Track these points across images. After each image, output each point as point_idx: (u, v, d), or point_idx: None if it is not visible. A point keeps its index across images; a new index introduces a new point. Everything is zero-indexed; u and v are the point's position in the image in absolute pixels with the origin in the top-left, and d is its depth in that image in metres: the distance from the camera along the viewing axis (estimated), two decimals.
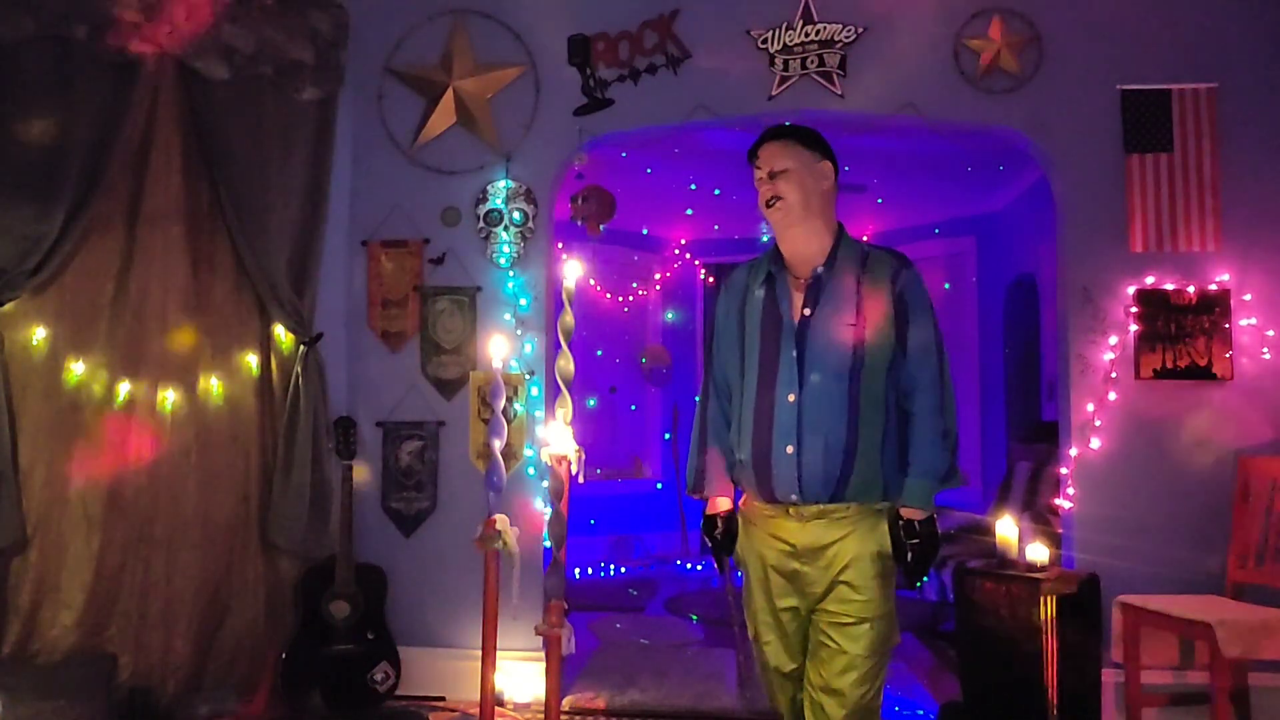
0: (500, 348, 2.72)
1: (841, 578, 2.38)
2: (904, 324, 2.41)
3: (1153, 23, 4.01)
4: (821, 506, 2.38)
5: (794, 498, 2.39)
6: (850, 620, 2.36)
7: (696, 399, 2.65)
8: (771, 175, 2.47)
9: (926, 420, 2.39)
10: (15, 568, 3.56)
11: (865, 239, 2.62)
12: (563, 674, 2.66)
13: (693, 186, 6.89)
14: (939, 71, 4.08)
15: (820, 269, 2.45)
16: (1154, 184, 3.95)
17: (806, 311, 2.42)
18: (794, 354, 2.40)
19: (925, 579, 2.44)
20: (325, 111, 4.14)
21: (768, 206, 2.48)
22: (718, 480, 2.56)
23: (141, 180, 3.78)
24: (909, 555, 2.36)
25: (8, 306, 3.54)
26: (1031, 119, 4.05)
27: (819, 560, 2.40)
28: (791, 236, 2.49)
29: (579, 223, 5.57)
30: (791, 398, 2.37)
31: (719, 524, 2.57)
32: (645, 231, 8.04)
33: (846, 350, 2.37)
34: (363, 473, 4.17)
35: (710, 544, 2.59)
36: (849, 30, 4.08)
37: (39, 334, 3.64)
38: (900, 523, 2.38)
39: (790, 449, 2.36)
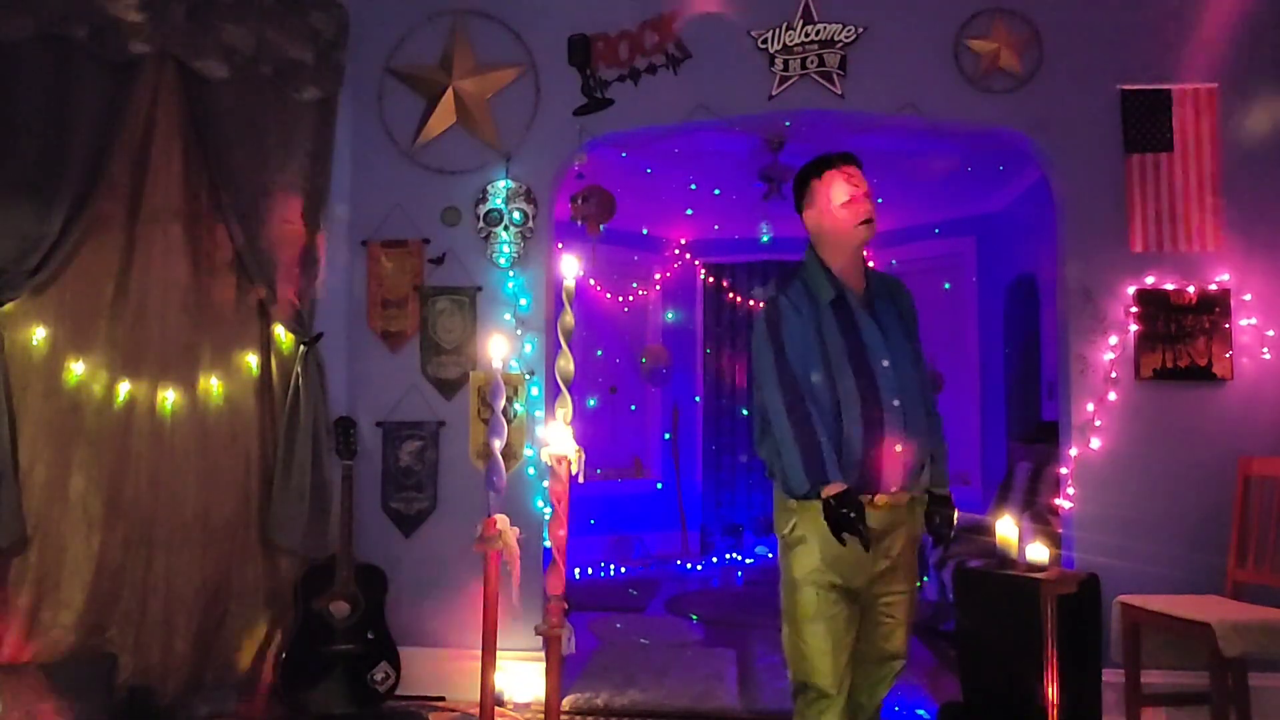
0: (500, 348, 2.73)
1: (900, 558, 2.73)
2: (912, 339, 2.81)
3: (1153, 23, 4.01)
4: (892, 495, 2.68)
5: (894, 489, 2.65)
6: (903, 592, 2.73)
7: (780, 405, 2.68)
8: (867, 194, 2.75)
9: (936, 416, 2.79)
10: (15, 568, 3.56)
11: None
12: (563, 674, 2.66)
13: (693, 186, 6.89)
14: (939, 71, 4.08)
15: (866, 288, 2.78)
16: (1154, 184, 3.95)
17: (877, 333, 2.72)
18: (885, 364, 2.67)
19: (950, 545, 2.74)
20: (325, 111, 4.14)
21: (862, 223, 2.72)
22: (835, 468, 2.64)
23: (141, 180, 3.78)
24: (941, 524, 2.72)
25: (8, 306, 3.54)
26: (1031, 119, 4.05)
27: (882, 542, 2.66)
28: (855, 256, 2.77)
29: (579, 223, 5.58)
30: (897, 403, 2.65)
31: (852, 499, 2.63)
32: (645, 231, 8.04)
33: (916, 359, 2.76)
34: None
35: (848, 522, 2.59)
36: (849, 30, 4.08)
37: (39, 334, 3.64)
38: (937, 500, 2.75)
39: (899, 448, 2.64)
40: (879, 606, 2.70)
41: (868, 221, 2.71)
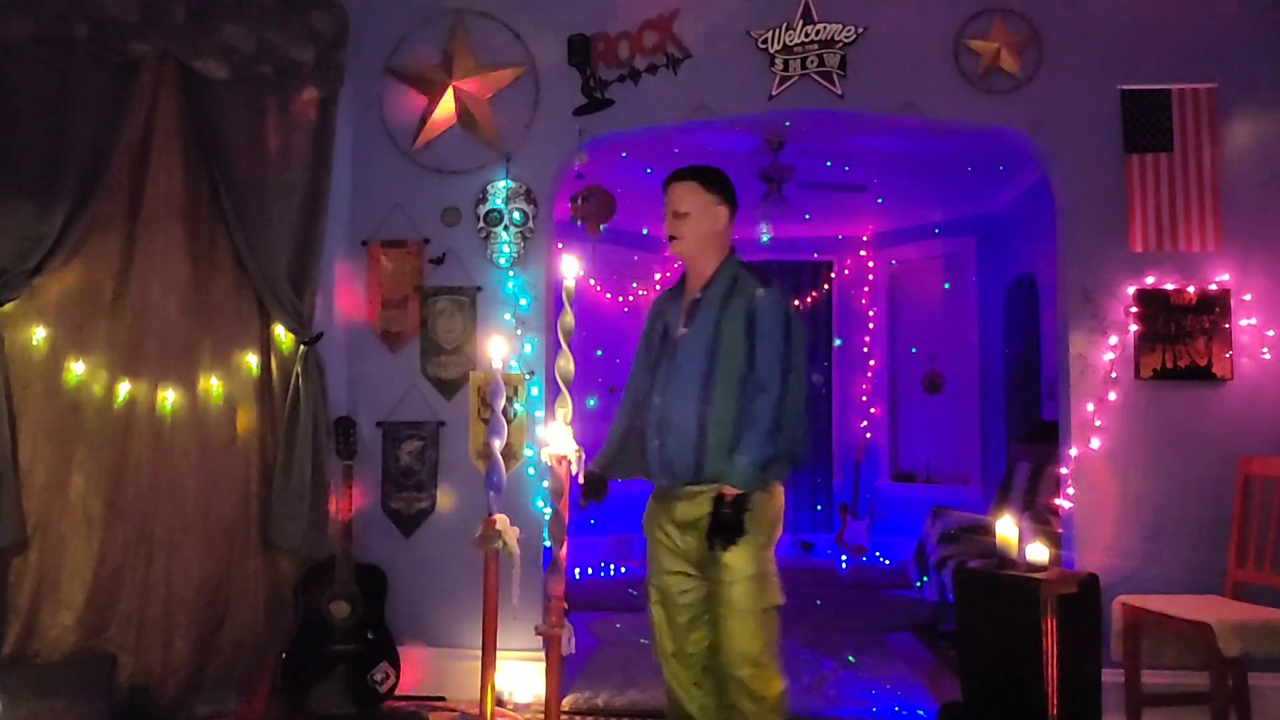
0: (500, 348, 2.73)
1: None
2: (753, 340, 2.77)
3: (1153, 23, 4.01)
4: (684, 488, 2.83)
5: (663, 482, 2.87)
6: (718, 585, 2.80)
7: None
8: (676, 215, 2.91)
9: (758, 416, 2.72)
10: (15, 568, 3.56)
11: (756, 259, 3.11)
12: (563, 674, 2.66)
13: None
14: (939, 71, 4.08)
15: (706, 287, 2.89)
16: (1154, 184, 3.95)
17: (682, 331, 2.88)
18: (672, 361, 2.86)
19: (729, 547, 2.70)
20: (325, 111, 4.14)
21: (670, 240, 2.95)
22: (602, 455, 3.07)
23: (142, 180, 3.78)
24: (713, 525, 2.69)
25: (8, 306, 3.54)
26: (1031, 119, 4.05)
27: (685, 534, 2.86)
28: (689, 266, 2.99)
29: (579, 223, 5.57)
30: (658, 400, 2.87)
31: (593, 480, 3.01)
32: (645, 231, 8.04)
33: (702, 359, 2.80)
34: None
35: (588, 495, 3.01)
36: (849, 30, 4.08)
37: (39, 334, 3.64)
38: (718, 499, 2.71)
39: (656, 442, 2.85)
40: (675, 596, 2.87)
41: (670, 239, 2.94)
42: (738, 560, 2.72)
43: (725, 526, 2.67)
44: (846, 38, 4.08)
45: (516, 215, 4.25)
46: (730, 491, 2.69)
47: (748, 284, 2.84)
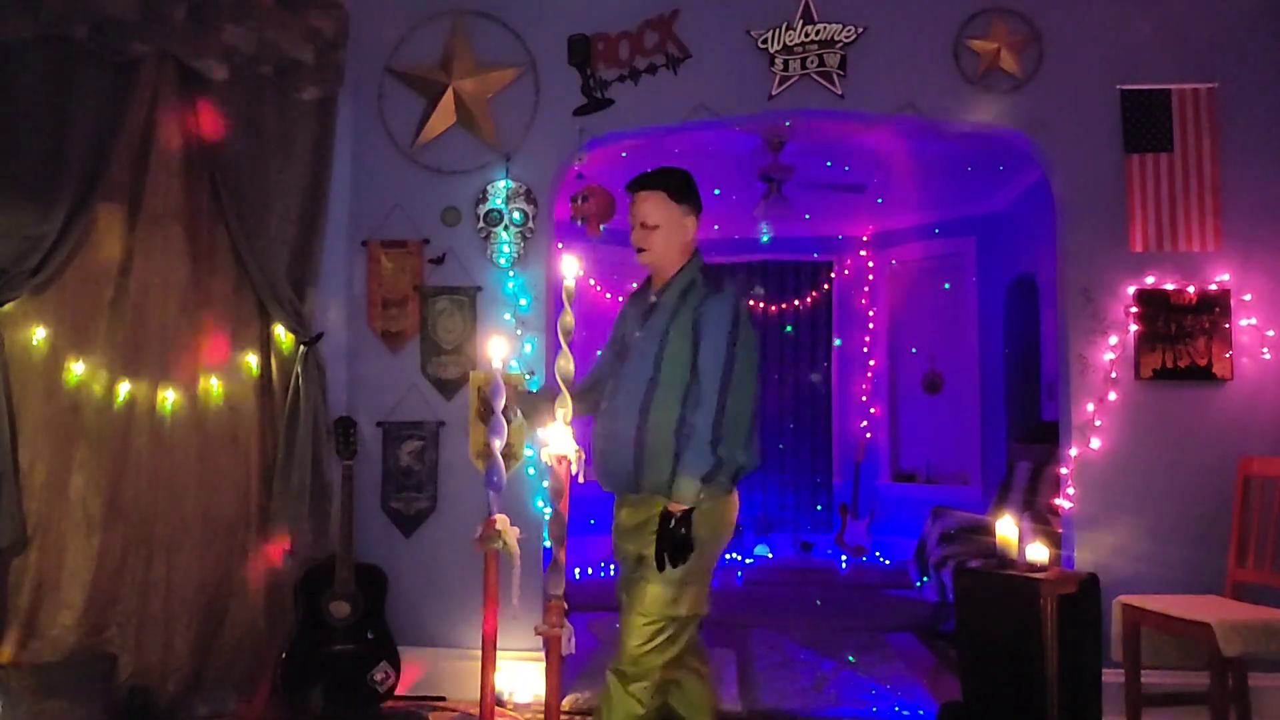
0: (500, 348, 2.72)
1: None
2: (697, 346, 2.72)
3: (1153, 23, 4.01)
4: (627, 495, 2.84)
5: (607, 488, 2.86)
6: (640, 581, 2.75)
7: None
8: (644, 226, 2.84)
9: (698, 429, 2.66)
10: (15, 568, 3.56)
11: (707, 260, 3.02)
12: (563, 674, 2.65)
13: None
14: (939, 71, 4.08)
15: (663, 290, 2.85)
16: (1154, 184, 3.95)
17: (637, 334, 2.85)
18: (624, 369, 2.82)
19: (677, 565, 2.64)
20: (325, 111, 4.14)
21: (637, 250, 2.88)
22: None
23: (142, 180, 3.78)
24: (659, 541, 2.64)
25: (8, 306, 3.54)
26: (1031, 119, 4.05)
27: (633, 539, 2.84)
28: (653, 271, 2.92)
29: (579, 223, 5.57)
30: (606, 405, 2.83)
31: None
32: None
33: (648, 367, 2.75)
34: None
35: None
36: (849, 30, 4.08)
37: (39, 334, 3.64)
38: (664, 515, 2.65)
39: (602, 448, 2.80)
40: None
41: (639, 251, 2.87)
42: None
43: (675, 545, 2.61)
44: (846, 38, 4.08)
45: (516, 215, 4.25)
46: (676, 508, 2.63)
47: (700, 290, 2.79)
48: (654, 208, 2.84)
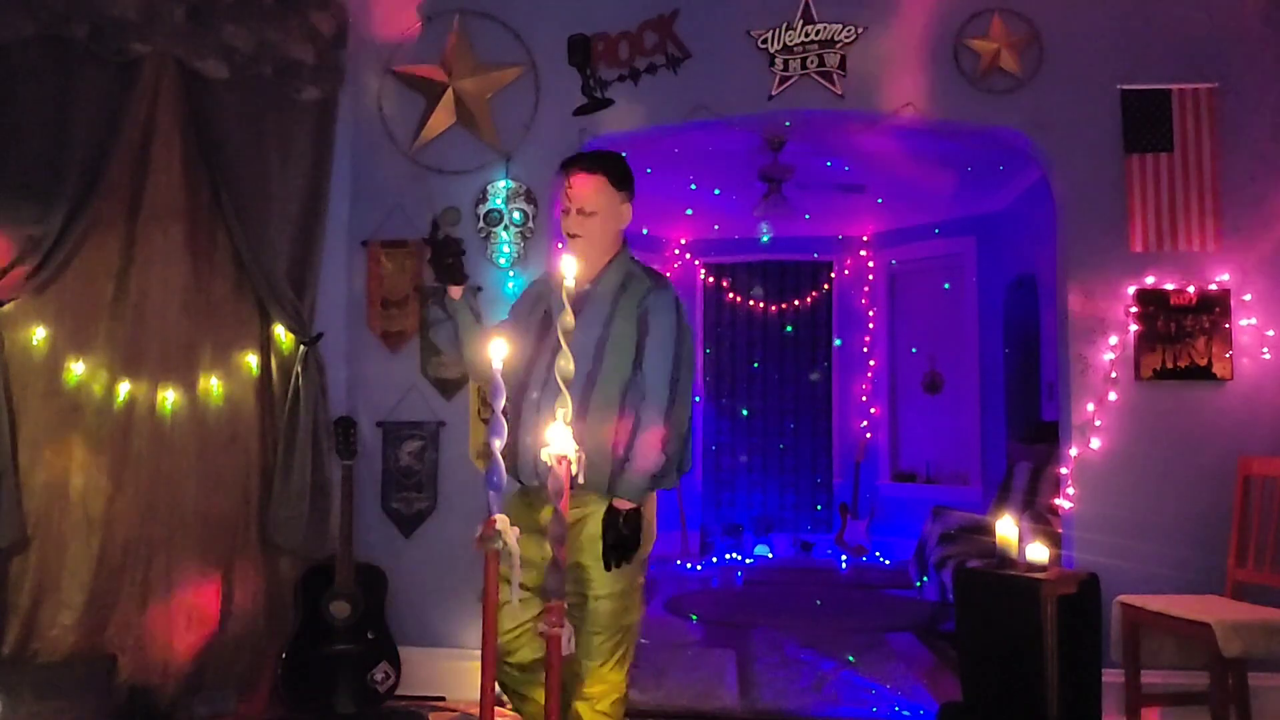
0: (500, 348, 2.72)
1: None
2: (643, 340, 2.65)
3: (1153, 23, 4.01)
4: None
5: (535, 484, 2.64)
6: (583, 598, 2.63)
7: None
8: (581, 212, 2.71)
9: (649, 425, 2.60)
10: (15, 568, 3.56)
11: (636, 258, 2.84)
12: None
13: (693, 186, 6.89)
14: (939, 71, 4.08)
15: (594, 281, 2.73)
16: (1154, 184, 3.95)
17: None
18: (550, 355, 2.60)
19: (621, 564, 2.59)
20: (325, 111, 4.14)
21: (569, 236, 2.75)
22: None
23: (142, 180, 3.77)
24: (605, 538, 2.58)
25: (8, 306, 3.53)
26: (1031, 119, 4.05)
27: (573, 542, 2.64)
28: (579, 261, 2.69)
29: None
30: (535, 395, 2.65)
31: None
32: (645, 231, 8.05)
33: (588, 359, 2.60)
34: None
35: None
36: (849, 30, 4.08)
37: (39, 334, 3.63)
38: (610, 511, 2.59)
39: (529, 439, 2.61)
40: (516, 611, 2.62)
41: (571, 235, 2.74)
42: (609, 575, 2.61)
43: (622, 544, 2.56)
44: (846, 38, 4.08)
45: (516, 215, 4.25)
46: (624, 505, 2.57)
47: (641, 282, 2.71)
48: (594, 192, 2.72)
